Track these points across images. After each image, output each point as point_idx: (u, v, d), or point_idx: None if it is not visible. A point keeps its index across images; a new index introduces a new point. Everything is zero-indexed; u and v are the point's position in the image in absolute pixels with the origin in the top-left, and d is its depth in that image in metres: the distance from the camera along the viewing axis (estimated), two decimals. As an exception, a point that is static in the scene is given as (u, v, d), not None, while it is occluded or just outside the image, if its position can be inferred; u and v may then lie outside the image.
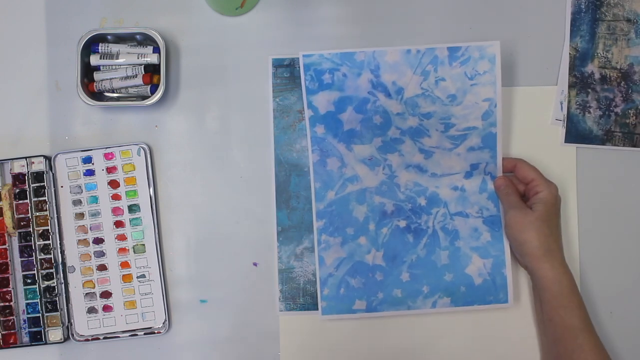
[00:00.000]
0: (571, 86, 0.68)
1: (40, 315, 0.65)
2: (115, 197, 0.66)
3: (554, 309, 0.60)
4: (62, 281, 0.65)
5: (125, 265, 0.66)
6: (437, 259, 0.65)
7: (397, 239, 0.65)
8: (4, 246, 0.65)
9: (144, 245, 0.66)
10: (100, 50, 0.66)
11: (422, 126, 0.64)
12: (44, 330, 0.65)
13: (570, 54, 0.68)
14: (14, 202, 0.65)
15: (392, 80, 0.64)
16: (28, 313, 0.65)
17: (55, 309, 0.65)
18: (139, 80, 0.65)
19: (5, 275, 0.65)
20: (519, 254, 0.63)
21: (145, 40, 0.66)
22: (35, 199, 0.65)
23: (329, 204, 0.65)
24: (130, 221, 0.66)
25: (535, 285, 0.62)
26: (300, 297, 0.66)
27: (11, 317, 0.65)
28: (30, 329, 0.65)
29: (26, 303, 0.65)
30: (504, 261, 0.65)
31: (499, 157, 0.64)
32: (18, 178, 0.65)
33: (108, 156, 0.66)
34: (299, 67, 0.65)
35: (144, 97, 0.66)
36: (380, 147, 0.65)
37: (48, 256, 0.65)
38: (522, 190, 0.65)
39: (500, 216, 0.65)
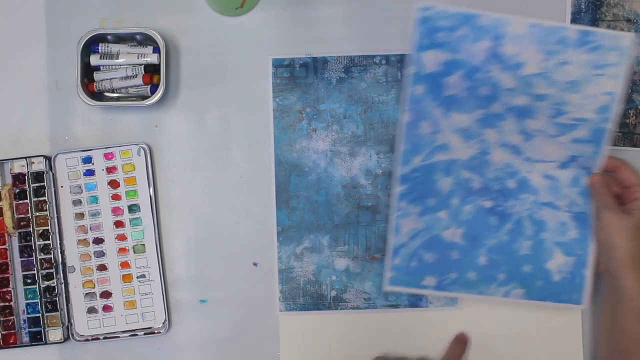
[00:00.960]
0: (571, 86, 0.68)
1: (40, 315, 0.65)
2: (115, 197, 0.66)
3: (630, 321, 0.57)
4: (62, 281, 0.65)
5: (125, 265, 0.66)
6: (519, 248, 0.62)
7: (480, 219, 0.62)
8: (4, 246, 0.65)
9: (144, 245, 0.66)
10: (100, 50, 0.66)
11: (531, 107, 0.60)
12: (44, 330, 0.65)
13: (570, 54, 0.68)
14: (14, 202, 0.65)
15: (513, 53, 0.60)
16: (28, 313, 0.65)
17: (55, 309, 0.65)
18: (139, 80, 0.65)
19: (5, 275, 0.65)
20: (605, 257, 0.60)
21: (145, 40, 0.66)
22: (35, 199, 0.65)
23: (414, 169, 0.62)
24: (130, 221, 0.66)
25: (615, 293, 0.59)
26: (300, 297, 0.66)
27: (11, 317, 0.65)
28: (30, 329, 0.65)
29: (26, 303, 0.65)
30: (586, 261, 0.62)
31: (602, 154, 0.61)
32: (18, 178, 0.65)
33: (108, 156, 0.66)
34: (413, 18, 0.59)
35: (144, 97, 0.66)
36: (480, 119, 0.61)
37: (48, 256, 0.65)
38: (617, 193, 0.62)
39: (589, 214, 0.62)
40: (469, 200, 0.62)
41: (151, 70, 0.66)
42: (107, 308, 0.65)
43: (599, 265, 0.63)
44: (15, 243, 0.66)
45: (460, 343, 0.65)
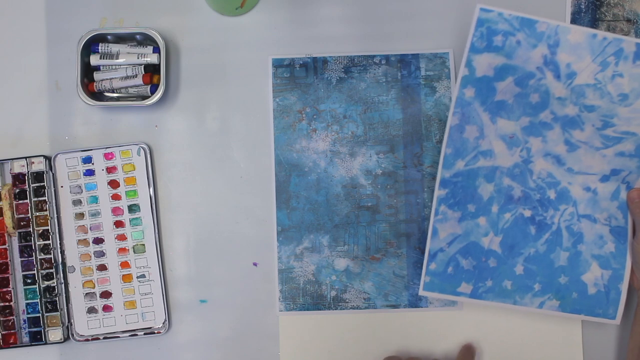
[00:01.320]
0: (571, 86, 0.68)
1: (40, 315, 0.65)
2: (115, 197, 0.66)
3: None
4: (62, 281, 0.65)
5: (125, 265, 0.66)
6: (556, 259, 0.62)
7: (518, 228, 0.62)
8: (4, 246, 0.65)
9: (144, 245, 0.66)
10: (100, 50, 0.66)
11: (580, 117, 0.60)
12: (44, 330, 0.65)
13: (570, 54, 0.68)
14: (14, 202, 0.65)
15: (568, 61, 0.60)
16: (28, 313, 0.65)
17: (55, 309, 0.65)
18: (139, 80, 0.65)
19: (5, 275, 0.65)
20: None
21: (145, 40, 0.66)
22: (35, 199, 0.65)
23: (456, 173, 0.61)
24: (130, 221, 0.66)
25: None
26: (300, 297, 0.66)
27: (11, 317, 0.65)
28: (30, 329, 0.65)
29: (26, 303, 0.65)
30: (622, 276, 0.62)
31: None
32: (18, 178, 0.65)
33: (108, 156, 0.66)
34: (473, 20, 0.59)
35: (144, 97, 0.66)
36: (525, 127, 0.61)
37: (48, 256, 0.65)
38: None
39: (627, 229, 0.62)
40: (508, 208, 0.62)
41: (151, 70, 0.66)
42: (107, 308, 0.65)
43: (634, 280, 0.62)
44: (15, 243, 0.66)
45: (469, 350, 0.64)
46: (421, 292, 0.63)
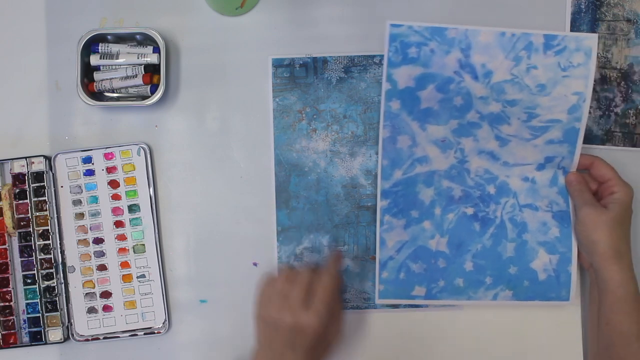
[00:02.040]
0: (571, 86, 0.68)
1: (40, 315, 0.65)
2: (115, 197, 0.66)
3: (614, 313, 0.58)
4: (62, 281, 0.65)
5: (125, 265, 0.66)
6: (503, 251, 0.64)
7: (463, 227, 0.64)
8: (4, 246, 0.65)
9: (144, 245, 0.66)
10: (100, 50, 0.66)
11: (504, 113, 0.63)
12: (44, 330, 0.65)
13: (570, 54, 0.68)
14: (14, 202, 0.65)
15: (482, 62, 0.63)
16: (28, 313, 0.65)
17: (55, 309, 0.65)
18: (139, 80, 0.65)
19: (5, 275, 0.65)
20: (587, 252, 0.62)
21: (145, 40, 0.66)
22: (35, 199, 0.65)
23: (395, 183, 0.64)
24: (130, 221, 0.66)
25: (598, 286, 0.60)
26: (300, 297, 0.66)
27: (11, 317, 0.65)
28: (30, 329, 0.65)
29: (26, 303, 0.65)
30: (570, 258, 0.64)
31: (577, 153, 0.63)
32: (18, 178, 0.65)
33: (108, 156, 0.66)
34: (385, 36, 0.62)
35: (144, 97, 0.66)
36: (455, 129, 0.63)
37: (48, 256, 0.65)
38: (595, 189, 0.63)
39: (569, 212, 0.64)
40: (451, 209, 0.64)
41: (151, 70, 0.66)
42: (107, 308, 0.65)
43: (582, 260, 0.64)
44: (15, 243, 0.66)
45: (337, 255, 0.65)
46: (377, 301, 0.65)
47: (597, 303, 0.60)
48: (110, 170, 0.66)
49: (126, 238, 0.66)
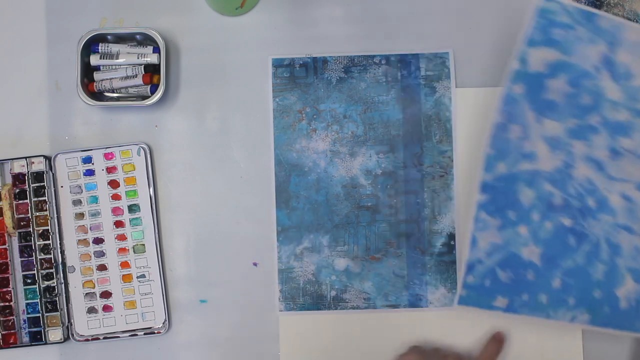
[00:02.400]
0: (571, 86, 0.68)
1: (40, 315, 0.65)
2: (115, 197, 0.66)
3: None
4: (62, 281, 0.65)
5: (125, 265, 0.66)
6: (593, 272, 0.58)
7: (559, 239, 0.58)
8: (4, 246, 0.65)
9: (144, 245, 0.66)
10: (100, 50, 0.66)
11: (630, 124, 0.57)
12: (44, 330, 0.65)
13: (570, 54, 0.68)
14: (14, 202, 0.65)
15: (626, 62, 0.56)
16: (28, 313, 0.65)
17: (55, 309, 0.65)
18: (139, 80, 0.65)
19: (5, 275, 0.65)
20: None
21: (145, 40, 0.66)
22: (35, 199, 0.65)
23: (498, 178, 0.57)
24: (130, 221, 0.66)
25: None
26: (300, 297, 0.66)
27: (11, 317, 0.65)
28: (30, 329, 0.65)
29: (26, 303, 0.65)
30: None
31: None
32: (18, 178, 0.65)
33: (108, 156, 0.66)
34: (531, 9, 0.54)
35: (144, 97, 0.66)
36: (571, 129, 0.57)
37: (48, 256, 0.65)
38: None
39: None
40: (549, 217, 0.58)
41: (151, 70, 0.66)
42: (107, 308, 0.65)
43: None
44: (15, 243, 0.66)
45: (497, 342, 0.60)
46: (455, 306, 0.60)
47: None
48: (110, 170, 0.66)
49: (126, 238, 0.66)
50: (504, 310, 0.59)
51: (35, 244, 0.65)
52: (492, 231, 0.58)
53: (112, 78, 0.66)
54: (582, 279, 0.58)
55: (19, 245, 0.65)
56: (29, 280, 0.65)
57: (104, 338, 0.65)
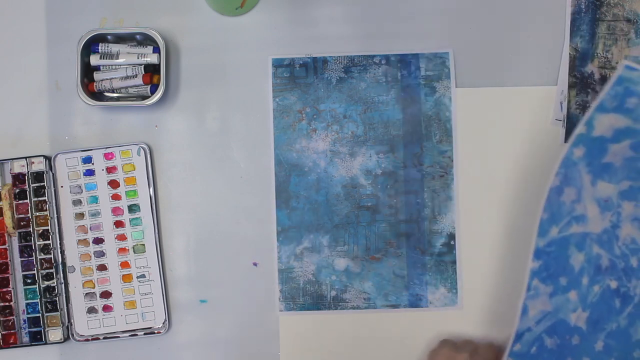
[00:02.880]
0: (571, 86, 0.68)
1: (40, 315, 0.65)
2: (115, 197, 0.66)
3: None
4: (62, 281, 0.65)
5: (125, 265, 0.66)
6: (635, 332, 0.56)
7: (605, 301, 0.56)
8: (4, 246, 0.65)
9: (144, 245, 0.66)
10: (100, 50, 0.66)
11: None
12: (44, 330, 0.65)
13: (570, 54, 0.68)
14: (14, 202, 0.65)
15: None
16: (28, 313, 0.65)
17: (55, 309, 0.65)
18: (139, 80, 0.65)
19: (5, 275, 0.65)
20: None
21: (145, 40, 0.66)
22: (35, 199, 0.65)
23: (550, 242, 0.56)
24: (130, 221, 0.66)
25: None
26: (300, 297, 0.66)
27: (11, 317, 0.65)
28: (30, 329, 0.65)
29: (26, 303, 0.65)
30: None
31: None
32: (18, 178, 0.65)
33: (108, 156, 0.66)
34: (613, 77, 0.52)
35: (144, 97, 0.66)
36: (624, 191, 0.56)
37: (48, 256, 0.65)
38: None
39: None
40: (597, 280, 0.56)
41: (151, 70, 0.66)
42: (107, 308, 0.65)
43: None
44: (15, 243, 0.66)
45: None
46: None
47: None
48: (110, 170, 0.66)
49: (126, 238, 0.66)
50: None
51: (35, 244, 0.65)
52: (544, 298, 0.56)
53: (112, 78, 0.66)
54: (624, 340, 0.57)
55: (19, 245, 0.65)
56: (29, 280, 0.65)
57: (104, 338, 0.65)
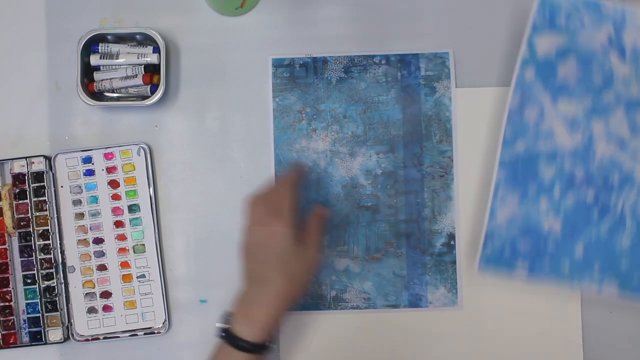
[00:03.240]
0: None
1: (40, 315, 0.65)
2: (115, 197, 0.66)
3: None
4: (62, 281, 0.65)
5: (125, 265, 0.66)
6: (618, 243, 0.61)
7: (580, 212, 0.61)
8: (4, 246, 0.65)
9: (144, 245, 0.66)
10: (100, 50, 0.66)
11: None
12: (44, 330, 0.65)
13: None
14: (14, 202, 0.65)
15: (634, 41, 0.60)
16: (28, 313, 0.65)
17: (55, 309, 0.65)
18: (139, 80, 0.65)
19: (5, 275, 0.65)
20: None
21: (145, 40, 0.66)
22: (35, 199, 0.65)
23: (516, 155, 0.62)
24: (130, 221, 0.66)
25: None
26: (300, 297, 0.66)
27: (11, 317, 0.65)
28: (30, 329, 0.65)
29: (26, 303, 0.65)
30: None
31: None
32: (18, 178, 0.65)
33: (108, 156, 0.66)
34: None
35: (144, 97, 0.66)
36: (588, 108, 0.61)
37: (48, 256, 0.65)
38: None
39: None
40: (570, 192, 0.61)
41: (151, 70, 0.66)
42: (107, 308, 0.65)
43: None
44: (15, 243, 0.66)
45: (319, 217, 0.62)
46: (477, 273, 0.62)
47: None
48: (110, 170, 0.66)
49: (126, 238, 0.66)
50: (526, 278, 0.61)
51: (35, 244, 0.65)
52: (512, 205, 0.61)
53: (112, 78, 0.66)
54: (606, 250, 0.61)
55: (19, 245, 0.65)
56: (29, 280, 0.65)
57: (104, 338, 0.65)
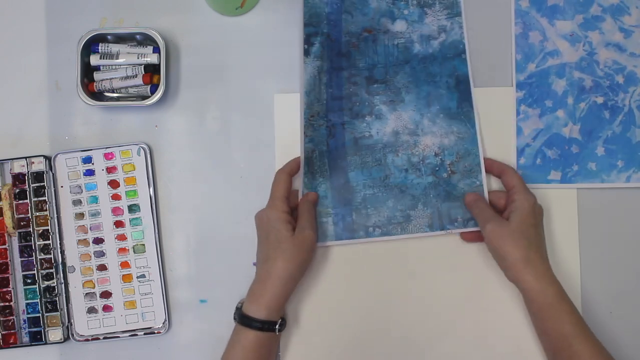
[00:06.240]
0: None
1: (40, 315, 0.65)
2: (115, 197, 0.66)
3: (544, 320, 0.58)
4: (62, 281, 0.65)
5: (125, 265, 0.66)
6: (632, 136, 0.67)
7: (593, 114, 0.67)
8: (4, 246, 0.65)
9: (144, 245, 0.66)
10: (100, 50, 0.66)
11: (623, 3, 0.68)
12: (44, 330, 0.65)
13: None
14: (14, 202, 0.65)
15: None
16: (28, 313, 0.65)
17: (55, 309, 0.65)
18: (139, 80, 0.65)
19: (5, 275, 0.65)
20: (502, 268, 0.60)
21: (145, 40, 0.66)
22: (35, 199, 0.65)
23: (529, 75, 0.68)
24: (130, 221, 0.66)
25: (524, 298, 0.60)
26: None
27: (11, 317, 0.65)
28: (30, 329, 0.65)
29: (26, 303, 0.65)
30: None
31: None
32: (18, 178, 0.65)
33: (108, 156, 0.66)
34: None
35: (144, 97, 0.66)
36: (581, 23, 0.68)
37: (48, 256, 0.65)
38: (504, 204, 0.63)
39: None
40: (582, 99, 0.68)
41: (151, 70, 0.66)
42: (107, 308, 0.65)
43: (507, 276, 0.61)
44: (15, 243, 0.66)
45: (308, 202, 0.64)
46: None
47: (532, 316, 0.61)
48: (110, 170, 0.66)
49: (126, 238, 0.66)
50: (559, 182, 0.67)
51: (35, 244, 0.65)
52: (534, 119, 0.68)
53: (112, 78, 0.66)
54: (624, 143, 0.67)
55: (19, 245, 0.65)
56: (29, 280, 0.65)
57: (104, 338, 0.65)
